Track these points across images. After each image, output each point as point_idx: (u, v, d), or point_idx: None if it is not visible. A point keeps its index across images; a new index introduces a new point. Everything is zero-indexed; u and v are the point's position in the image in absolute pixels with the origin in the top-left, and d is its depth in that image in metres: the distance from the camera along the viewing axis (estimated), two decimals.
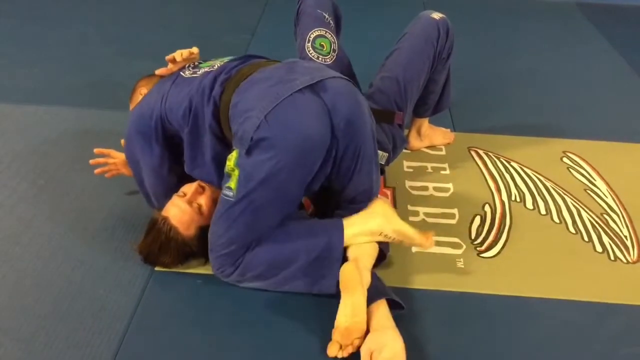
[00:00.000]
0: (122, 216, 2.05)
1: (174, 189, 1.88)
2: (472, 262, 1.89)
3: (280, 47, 2.33)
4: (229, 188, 1.67)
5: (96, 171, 2.12)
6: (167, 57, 1.97)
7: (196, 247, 1.81)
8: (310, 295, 1.72)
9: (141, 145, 1.87)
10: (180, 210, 1.79)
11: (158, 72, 1.99)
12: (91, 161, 2.11)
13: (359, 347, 1.56)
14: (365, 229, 1.71)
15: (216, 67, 1.86)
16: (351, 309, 1.58)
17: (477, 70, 3.11)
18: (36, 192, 2.16)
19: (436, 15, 2.12)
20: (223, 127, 1.77)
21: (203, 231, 1.79)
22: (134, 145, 1.88)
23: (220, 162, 1.78)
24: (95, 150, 2.11)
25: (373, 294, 1.63)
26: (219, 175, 1.78)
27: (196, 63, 1.97)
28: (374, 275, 1.70)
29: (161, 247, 1.78)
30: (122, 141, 2.04)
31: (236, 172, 1.65)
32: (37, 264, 1.86)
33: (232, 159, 1.67)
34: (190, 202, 1.81)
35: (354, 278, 1.61)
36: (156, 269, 1.83)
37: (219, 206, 1.72)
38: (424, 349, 1.62)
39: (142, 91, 2.12)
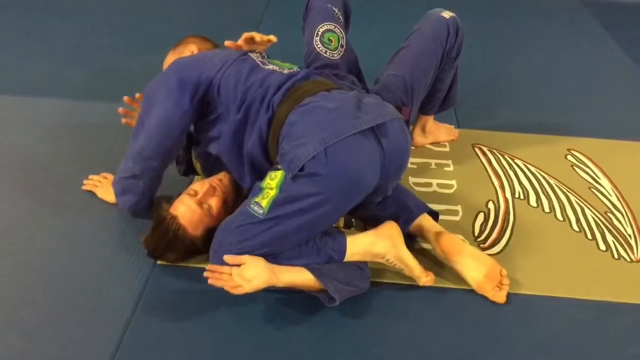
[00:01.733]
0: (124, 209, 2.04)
1: (171, 156, 1.84)
2: None
3: (285, 41, 2.30)
4: (259, 204, 1.62)
5: (123, 120, 2.10)
6: (246, 34, 1.93)
7: (202, 246, 1.80)
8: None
9: (171, 89, 1.77)
10: (190, 210, 1.78)
11: (227, 43, 1.94)
12: (120, 110, 2.09)
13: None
14: (369, 250, 1.72)
15: (285, 71, 1.82)
16: (473, 261, 1.75)
17: (481, 67, 3.10)
18: (39, 185, 2.16)
19: (446, 14, 2.10)
20: (270, 136, 1.73)
21: (210, 232, 1.77)
22: (162, 86, 1.80)
23: (252, 164, 1.79)
24: (125, 98, 2.09)
25: (410, 215, 1.85)
26: (241, 171, 1.81)
27: (264, 55, 1.95)
28: (409, 198, 1.91)
29: (168, 244, 1.77)
30: (135, 96, 2.06)
31: (274, 192, 1.61)
32: (40, 257, 1.86)
33: (275, 178, 1.63)
34: (200, 203, 1.79)
35: (457, 243, 1.79)
36: (159, 262, 1.83)
37: (240, 216, 1.66)
38: (428, 347, 1.62)
39: (193, 48, 2.06)
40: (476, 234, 1.99)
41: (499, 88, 2.93)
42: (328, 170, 1.58)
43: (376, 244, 1.72)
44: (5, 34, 3.32)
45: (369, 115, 1.66)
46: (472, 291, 1.76)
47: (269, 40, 1.97)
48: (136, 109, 2.07)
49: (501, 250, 1.93)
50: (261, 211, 1.62)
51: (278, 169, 1.66)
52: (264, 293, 1.71)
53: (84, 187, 2.12)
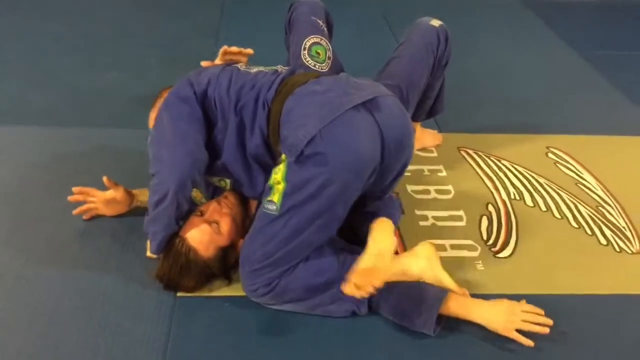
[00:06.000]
0: (124, 239, 1.94)
1: (199, 169, 1.74)
2: (490, 264, 1.92)
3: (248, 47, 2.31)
4: (272, 202, 1.63)
5: (74, 212, 1.99)
6: (222, 49, 2.00)
7: (217, 268, 1.76)
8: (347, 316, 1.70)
9: (178, 107, 1.75)
10: (199, 231, 1.74)
11: (204, 64, 1.96)
12: (70, 198, 1.98)
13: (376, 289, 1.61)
14: (406, 271, 1.70)
15: (271, 70, 1.85)
16: (378, 250, 1.64)
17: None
18: (27, 221, 2.02)
19: (435, 23, 2.13)
20: (270, 131, 1.72)
21: (223, 251, 1.75)
22: (166, 110, 1.76)
23: (260, 165, 1.78)
24: (74, 189, 1.98)
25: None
26: (251, 177, 1.80)
27: (246, 66, 1.93)
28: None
29: (182, 270, 1.71)
30: (105, 179, 1.96)
31: (282, 186, 1.62)
32: (49, 301, 1.73)
33: (279, 172, 1.64)
34: (209, 222, 1.75)
35: (388, 232, 1.70)
36: (178, 294, 1.76)
37: (259, 221, 1.67)
38: (460, 352, 1.64)
39: None
40: (485, 238, 2.03)
41: (467, 90, 2.98)
42: (327, 148, 1.59)
43: (413, 266, 1.71)
44: None
45: (362, 91, 1.70)
46: (495, 295, 1.75)
47: (246, 53, 2.02)
48: (87, 200, 1.98)
49: (512, 253, 1.98)
50: (274, 207, 1.63)
51: (279, 163, 1.66)
52: (294, 316, 1.70)
53: (85, 217, 2.00)
